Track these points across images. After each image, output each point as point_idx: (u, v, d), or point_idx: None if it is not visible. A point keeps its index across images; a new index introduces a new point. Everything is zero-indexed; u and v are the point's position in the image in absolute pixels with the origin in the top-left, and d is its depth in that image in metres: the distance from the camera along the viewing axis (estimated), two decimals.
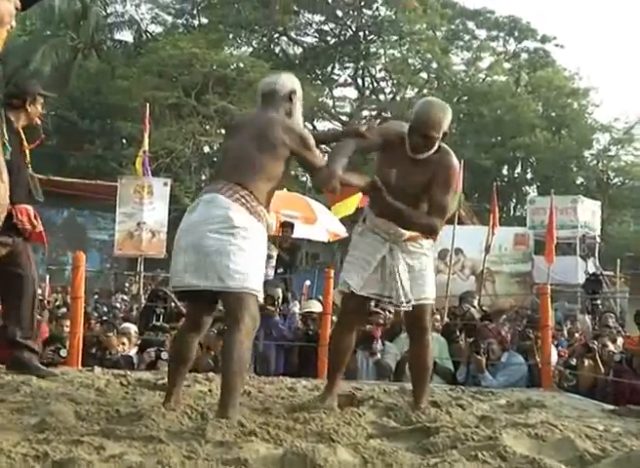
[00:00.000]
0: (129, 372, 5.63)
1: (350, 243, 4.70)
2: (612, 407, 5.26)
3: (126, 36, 37.04)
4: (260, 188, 4.01)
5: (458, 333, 7.77)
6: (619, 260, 19.97)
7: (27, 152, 5.32)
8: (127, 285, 19.24)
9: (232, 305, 3.93)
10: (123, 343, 7.45)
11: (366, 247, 4.51)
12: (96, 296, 16.56)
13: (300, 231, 12.38)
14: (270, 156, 4.04)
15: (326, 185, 4.09)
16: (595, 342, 7.31)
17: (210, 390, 4.98)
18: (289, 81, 4.33)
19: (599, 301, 13.17)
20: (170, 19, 38.15)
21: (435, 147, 4.37)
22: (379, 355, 7.30)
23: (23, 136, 5.26)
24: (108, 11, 36.93)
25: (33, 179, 5.38)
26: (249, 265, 3.92)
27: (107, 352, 7.06)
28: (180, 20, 38.09)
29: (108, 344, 7.00)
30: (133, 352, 7.43)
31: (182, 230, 4.11)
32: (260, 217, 4.00)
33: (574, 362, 7.50)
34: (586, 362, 7.06)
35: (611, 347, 7.46)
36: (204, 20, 37.33)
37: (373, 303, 5.90)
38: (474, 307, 9.77)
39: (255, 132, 4.11)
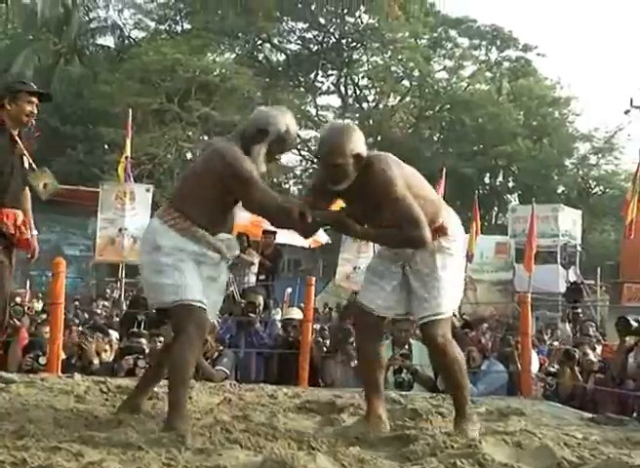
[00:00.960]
0: (109, 379, 5.61)
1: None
2: (590, 415, 5.29)
3: (108, 41, 37.00)
4: (193, 211, 4.08)
5: None
6: (599, 269, 20.09)
7: (25, 153, 5.17)
8: (108, 291, 19.16)
9: (174, 318, 4.09)
10: (105, 350, 7.42)
11: (382, 272, 4.31)
12: (76, 303, 16.47)
13: (282, 236, 12.35)
14: (198, 182, 4.14)
15: (287, 221, 4.14)
16: (576, 350, 7.34)
17: (190, 397, 4.94)
18: (266, 118, 4.21)
19: (580, 310, 13.22)
20: (153, 24, 38.12)
21: (353, 172, 4.02)
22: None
23: (17, 138, 5.07)
24: (91, 16, 36.91)
25: (39, 178, 5.35)
26: (180, 279, 4.00)
27: (87, 362, 6.98)
28: (162, 26, 38.02)
29: (89, 354, 6.92)
30: (111, 358, 7.39)
31: None
32: (191, 235, 4.07)
33: (554, 368, 7.56)
34: (567, 369, 7.10)
35: (591, 355, 7.51)
36: (187, 26, 37.30)
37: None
38: (455, 316, 9.78)
39: (200, 158, 4.48)
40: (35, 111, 5.11)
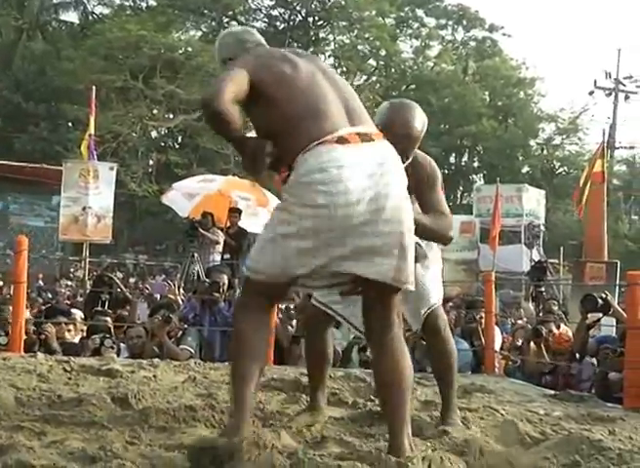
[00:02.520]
0: (72, 358, 5.57)
1: None
2: (552, 392, 5.36)
3: (72, 17, 36.53)
4: None
5: (404, 319, 7.80)
6: (562, 248, 20.29)
7: None
8: (72, 270, 19.03)
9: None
10: (69, 330, 7.35)
11: None
12: (40, 282, 16.34)
13: (248, 223, 12.32)
14: None
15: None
16: (543, 328, 7.43)
17: (154, 376, 4.95)
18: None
19: (543, 288, 13.35)
20: (117, 0, 37.65)
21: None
22: None
23: None
24: None
25: None
26: None
27: (49, 349, 6.81)
28: (127, 2, 37.52)
29: (50, 340, 6.77)
30: (78, 339, 7.33)
31: None
32: None
33: (519, 343, 7.66)
34: (532, 346, 7.19)
35: (555, 333, 7.60)
36: (152, 3, 36.87)
37: None
38: None
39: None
40: None
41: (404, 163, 3.32)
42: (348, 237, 2.88)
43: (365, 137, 3.00)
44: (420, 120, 3.73)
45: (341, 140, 2.94)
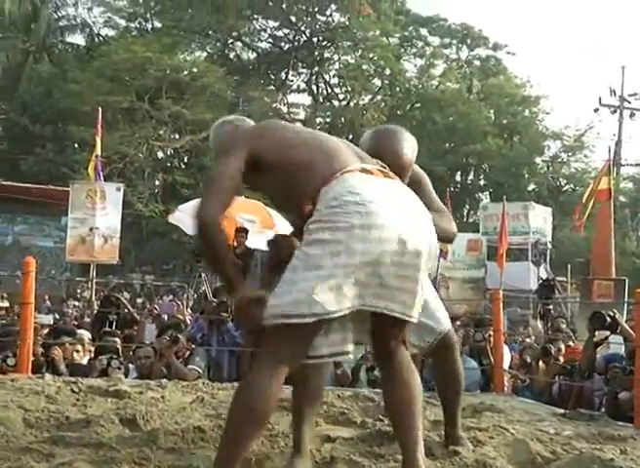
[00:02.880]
0: (80, 379, 5.55)
1: None
2: (562, 410, 5.32)
3: (78, 39, 36.78)
4: None
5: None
6: (569, 266, 20.25)
7: None
8: (79, 291, 19.03)
9: None
10: (77, 351, 7.33)
11: None
12: (47, 303, 16.33)
13: (255, 240, 12.27)
14: None
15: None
16: (552, 346, 7.41)
17: (162, 397, 4.93)
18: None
19: (551, 306, 13.33)
20: (123, 22, 37.86)
21: None
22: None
23: None
24: (60, 14, 36.60)
25: None
26: None
27: (56, 371, 6.78)
28: (133, 24, 37.80)
29: (57, 363, 6.74)
30: (86, 359, 7.31)
31: None
32: None
33: (528, 360, 7.63)
34: (541, 365, 7.16)
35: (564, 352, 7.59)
36: (157, 25, 37.11)
37: None
38: None
39: None
40: None
41: None
42: (382, 266, 2.73)
43: (386, 173, 2.98)
44: (409, 146, 3.60)
45: (365, 171, 2.91)
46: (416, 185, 3.39)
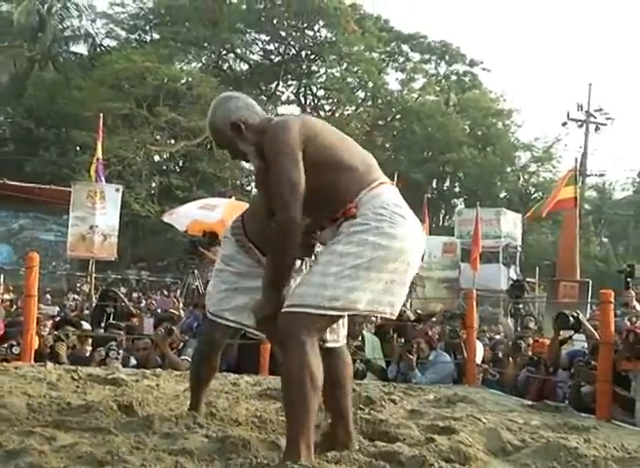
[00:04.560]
0: (80, 368, 5.54)
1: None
2: (530, 402, 5.35)
3: (81, 49, 36.63)
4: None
5: (391, 333, 7.79)
6: (537, 268, 20.33)
7: None
8: (78, 285, 18.93)
9: None
10: (80, 342, 7.29)
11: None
12: (48, 295, 16.25)
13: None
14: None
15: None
16: (522, 342, 7.45)
17: (157, 385, 4.94)
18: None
19: (521, 305, 13.36)
20: (124, 33, 37.74)
21: (243, 143, 3.16)
22: None
23: None
24: (65, 25, 36.40)
25: None
26: (210, 288, 3.91)
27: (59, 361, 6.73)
28: (133, 36, 37.69)
29: (60, 356, 6.69)
30: (89, 349, 7.25)
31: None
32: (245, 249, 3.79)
33: (500, 355, 7.66)
34: (512, 360, 7.20)
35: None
36: (156, 36, 37.00)
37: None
38: (405, 311, 9.81)
39: None
40: None
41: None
42: (402, 275, 2.94)
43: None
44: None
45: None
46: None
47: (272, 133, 3.01)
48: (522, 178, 37.90)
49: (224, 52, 38.21)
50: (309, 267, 3.29)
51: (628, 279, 10.92)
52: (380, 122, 38.72)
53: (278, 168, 2.91)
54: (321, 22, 36.46)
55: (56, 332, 6.96)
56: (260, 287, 3.15)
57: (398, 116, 38.47)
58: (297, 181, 2.87)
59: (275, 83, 38.58)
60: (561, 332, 6.35)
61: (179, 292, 13.07)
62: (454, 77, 39.92)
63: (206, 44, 36.28)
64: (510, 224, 23.40)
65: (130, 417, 3.64)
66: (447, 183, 39.51)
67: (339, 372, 3.20)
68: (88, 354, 6.84)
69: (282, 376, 2.90)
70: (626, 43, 77.96)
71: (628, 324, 7.23)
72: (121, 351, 6.61)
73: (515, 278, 18.64)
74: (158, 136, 32.06)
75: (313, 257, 3.35)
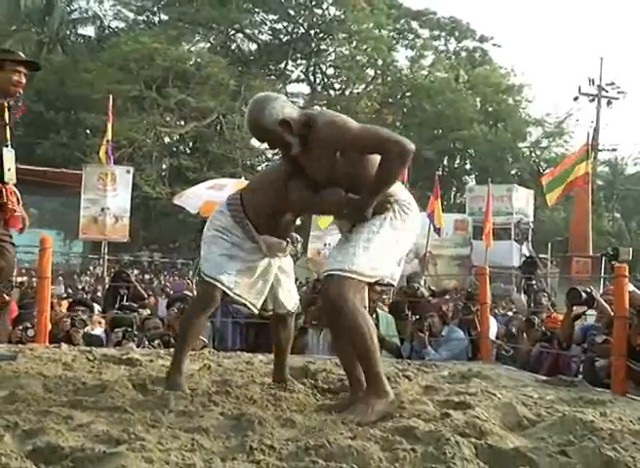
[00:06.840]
0: (94, 348, 5.56)
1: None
2: (544, 377, 5.34)
3: (89, 31, 36.69)
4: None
5: (406, 311, 7.77)
6: (550, 244, 20.29)
7: (7, 128, 4.61)
8: (91, 267, 19.02)
9: None
10: (93, 323, 7.32)
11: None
12: (60, 278, 16.33)
13: None
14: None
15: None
16: (536, 317, 7.43)
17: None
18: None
19: (534, 282, 13.35)
20: (131, 15, 37.72)
21: (292, 138, 3.54)
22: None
23: (6, 109, 4.57)
24: (72, 7, 36.45)
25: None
26: (206, 253, 4.10)
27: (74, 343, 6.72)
28: (141, 17, 37.65)
29: (75, 339, 6.69)
30: (98, 331, 7.29)
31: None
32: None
33: (513, 330, 7.65)
34: (526, 335, 7.19)
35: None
36: (164, 17, 36.95)
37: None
38: (419, 287, 9.79)
39: None
40: (23, 81, 4.64)
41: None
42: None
43: None
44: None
45: None
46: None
47: (337, 125, 3.54)
48: (534, 154, 37.71)
49: (233, 32, 38.09)
50: (348, 237, 3.69)
51: (613, 262, 10.84)
52: (389, 100, 38.57)
53: (364, 130, 3.58)
54: (329, 0, 36.27)
55: (72, 316, 6.94)
56: (254, 261, 3.95)
57: (408, 93, 38.33)
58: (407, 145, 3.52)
59: (284, 62, 38.48)
60: (574, 308, 6.33)
61: (190, 273, 13.08)
62: (464, 53, 39.71)
63: (214, 24, 36.18)
64: (522, 201, 23.35)
65: (145, 396, 3.65)
66: (458, 160, 39.41)
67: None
68: (99, 334, 6.87)
69: (349, 330, 3.45)
70: (638, 16, 77.12)
71: None
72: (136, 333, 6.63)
73: (528, 254, 18.60)
74: (168, 118, 32.08)
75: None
